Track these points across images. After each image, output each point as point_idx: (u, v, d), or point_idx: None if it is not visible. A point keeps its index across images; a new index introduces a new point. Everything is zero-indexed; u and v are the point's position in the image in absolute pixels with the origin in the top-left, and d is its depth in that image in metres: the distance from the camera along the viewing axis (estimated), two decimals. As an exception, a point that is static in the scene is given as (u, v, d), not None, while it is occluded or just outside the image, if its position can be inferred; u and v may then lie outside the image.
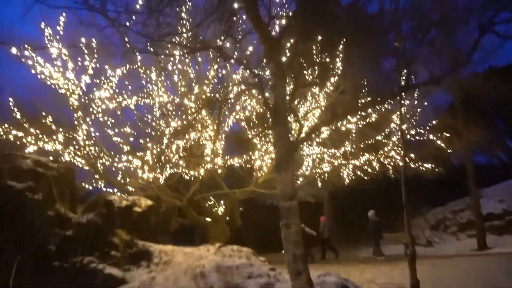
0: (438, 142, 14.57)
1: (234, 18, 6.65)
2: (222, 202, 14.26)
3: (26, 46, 9.76)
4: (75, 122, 10.30)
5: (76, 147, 10.43)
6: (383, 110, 13.54)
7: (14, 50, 9.47)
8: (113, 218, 7.61)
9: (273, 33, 6.98)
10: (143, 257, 7.41)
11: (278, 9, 8.35)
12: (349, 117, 13.42)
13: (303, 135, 7.73)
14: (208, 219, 12.97)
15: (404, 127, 14.61)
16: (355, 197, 21.86)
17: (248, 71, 7.56)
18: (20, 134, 10.29)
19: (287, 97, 6.39)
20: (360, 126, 13.91)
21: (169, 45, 8.85)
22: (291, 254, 5.73)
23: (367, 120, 13.76)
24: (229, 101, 7.00)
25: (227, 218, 13.77)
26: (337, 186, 19.57)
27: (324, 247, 17.71)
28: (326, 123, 10.12)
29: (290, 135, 6.48)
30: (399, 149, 14.59)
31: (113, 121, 11.59)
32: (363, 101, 10.04)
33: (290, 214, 5.87)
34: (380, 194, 20.71)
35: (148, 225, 8.54)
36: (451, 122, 16.78)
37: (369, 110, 13.19)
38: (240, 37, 8.01)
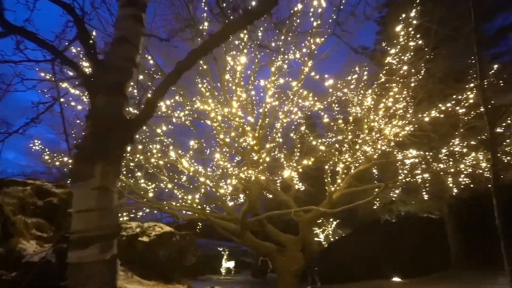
0: None
1: None
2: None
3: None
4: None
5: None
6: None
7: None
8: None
9: None
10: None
11: None
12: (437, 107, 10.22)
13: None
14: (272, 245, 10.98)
15: None
16: (484, 212, 17.22)
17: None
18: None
19: (141, 38, 3.27)
20: (462, 115, 10.40)
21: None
22: None
23: (464, 104, 10.18)
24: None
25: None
26: (458, 199, 15.98)
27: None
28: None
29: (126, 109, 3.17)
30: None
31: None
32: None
33: (81, 279, 2.59)
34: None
35: (155, 258, 7.05)
36: None
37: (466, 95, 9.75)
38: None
